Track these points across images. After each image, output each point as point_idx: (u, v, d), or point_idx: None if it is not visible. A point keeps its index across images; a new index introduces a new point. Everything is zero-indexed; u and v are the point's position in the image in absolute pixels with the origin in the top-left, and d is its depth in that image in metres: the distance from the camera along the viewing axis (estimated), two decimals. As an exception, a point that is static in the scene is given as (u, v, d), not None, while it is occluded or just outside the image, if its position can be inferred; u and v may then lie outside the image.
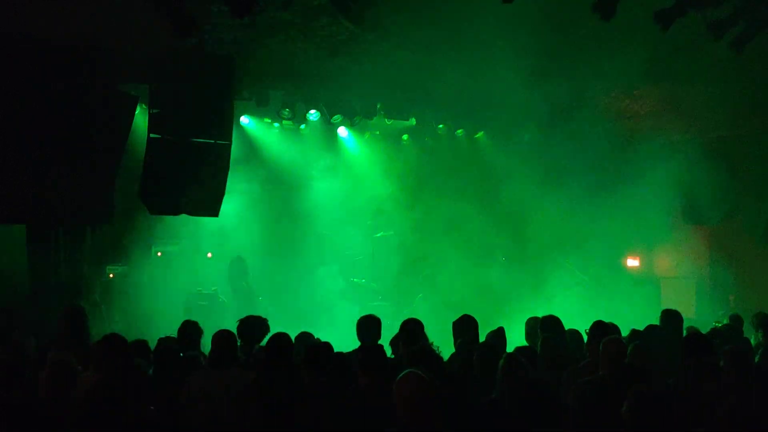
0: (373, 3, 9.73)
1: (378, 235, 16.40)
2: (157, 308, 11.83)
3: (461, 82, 13.01)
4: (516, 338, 8.06)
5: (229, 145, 11.09)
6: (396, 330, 7.49)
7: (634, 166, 15.74)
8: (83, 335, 7.26)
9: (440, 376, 5.61)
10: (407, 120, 15.74)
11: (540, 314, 8.12)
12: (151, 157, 10.68)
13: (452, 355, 7.33)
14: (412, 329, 7.33)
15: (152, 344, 7.37)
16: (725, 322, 9.87)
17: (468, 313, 7.81)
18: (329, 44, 11.35)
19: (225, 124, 11.08)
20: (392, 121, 15.65)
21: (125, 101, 11.00)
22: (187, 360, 6.81)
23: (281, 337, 6.46)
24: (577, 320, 8.40)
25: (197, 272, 13.98)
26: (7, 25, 9.37)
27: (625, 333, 7.80)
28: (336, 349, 6.71)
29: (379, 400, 5.23)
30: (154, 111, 10.55)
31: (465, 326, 7.62)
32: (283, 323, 7.73)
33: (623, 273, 17.01)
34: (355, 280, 15.78)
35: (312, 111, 14.99)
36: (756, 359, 7.28)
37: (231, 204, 13.04)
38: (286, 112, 14.54)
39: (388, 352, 6.89)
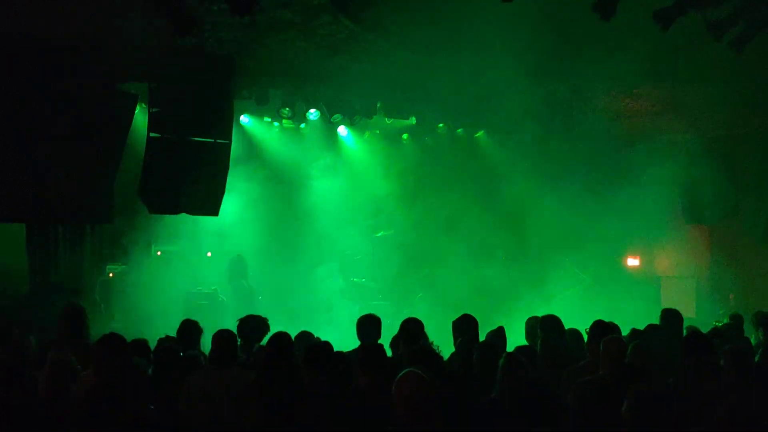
0: (373, 2, 9.74)
1: (378, 234, 16.39)
2: (156, 307, 11.81)
3: (461, 81, 13.00)
4: (516, 337, 8.05)
5: (229, 145, 11.10)
6: (396, 329, 7.49)
7: (634, 165, 15.74)
8: (83, 335, 7.26)
9: (440, 375, 5.60)
10: (407, 119, 15.73)
11: (540, 313, 8.12)
12: (150, 157, 10.68)
13: (452, 355, 7.32)
14: (412, 328, 7.33)
15: (152, 343, 7.37)
16: (725, 321, 9.87)
17: (468, 312, 7.81)
18: (329, 43, 11.34)
19: (225, 124, 11.09)
20: (392, 120, 15.63)
21: (125, 100, 11.01)
22: (187, 359, 6.81)
23: (282, 336, 6.45)
24: (577, 319, 8.40)
25: (197, 271, 13.97)
26: (7, 25, 9.38)
27: (625, 332, 7.80)
28: (336, 349, 6.71)
29: (379, 399, 5.22)
30: (154, 110, 10.55)
31: (465, 325, 7.62)
32: (283, 322, 7.73)
33: (623, 272, 17.01)
34: (355, 279, 15.78)
35: (312, 110, 14.98)
36: (756, 358, 7.28)
37: (231, 203, 13.04)
38: (286, 111, 14.53)
39: (389, 351, 6.88)
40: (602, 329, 7.03)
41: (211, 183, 10.94)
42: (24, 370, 5.46)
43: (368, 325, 7.56)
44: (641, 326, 8.02)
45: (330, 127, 15.69)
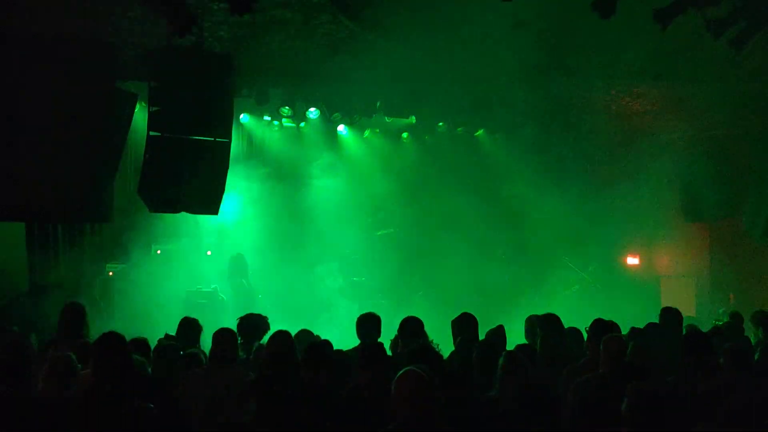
0: (373, 1, 9.74)
1: (379, 233, 16.39)
2: (156, 306, 11.82)
3: (461, 80, 13.01)
4: (516, 336, 8.06)
5: (229, 143, 11.09)
6: (395, 328, 7.50)
7: (634, 164, 15.78)
8: (83, 333, 7.27)
9: (440, 373, 5.61)
10: (407, 118, 15.74)
11: (540, 312, 8.11)
12: (150, 155, 10.67)
13: (452, 353, 7.33)
14: (411, 327, 7.34)
15: (152, 342, 7.37)
16: (725, 320, 9.87)
17: (467, 310, 7.82)
18: (329, 42, 11.35)
19: (225, 122, 11.07)
20: (392, 119, 15.64)
21: (125, 99, 11.00)
22: (188, 358, 6.82)
23: (282, 335, 6.46)
24: (577, 318, 8.41)
25: (197, 270, 13.96)
26: (6, 23, 9.37)
27: (624, 331, 7.81)
28: (336, 347, 6.72)
29: (379, 398, 5.23)
30: (154, 109, 10.53)
31: (464, 324, 7.63)
32: (283, 321, 7.73)
33: (623, 271, 17.03)
34: (354, 278, 15.77)
35: (312, 109, 15.00)
36: (756, 357, 7.29)
37: (231, 202, 13.04)
38: (286, 109, 14.52)
39: (389, 350, 6.88)
40: (602, 328, 7.04)
41: (211, 182, 10.92)
42: (24, 368, 5.46)
43: (368, 324, 7.56)
44: (641, 325, 8.03)
45: (330, 126, 15.69)
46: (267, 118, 15.32)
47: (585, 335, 7.42)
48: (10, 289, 11.49)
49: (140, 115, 11.50)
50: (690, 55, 11.65)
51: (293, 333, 6.88)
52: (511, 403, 5.57)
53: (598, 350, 6.27)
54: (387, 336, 7.56)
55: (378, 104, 14.71)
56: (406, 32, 10.55)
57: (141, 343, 7.08)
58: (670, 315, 8.29)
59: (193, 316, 7.96)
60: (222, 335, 6.54)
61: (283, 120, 15.31)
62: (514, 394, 5.61)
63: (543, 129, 15.48)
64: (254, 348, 7.44)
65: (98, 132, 10.34)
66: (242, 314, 7.92)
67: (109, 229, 12.94)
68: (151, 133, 10.61)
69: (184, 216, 11.98)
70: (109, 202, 11.03)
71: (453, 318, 7.76)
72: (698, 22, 9.55)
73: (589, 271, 15.97)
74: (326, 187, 15.67)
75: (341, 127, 16.14)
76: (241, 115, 15.00)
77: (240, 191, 14.27)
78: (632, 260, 17.25)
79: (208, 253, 14.66)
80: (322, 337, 7.28)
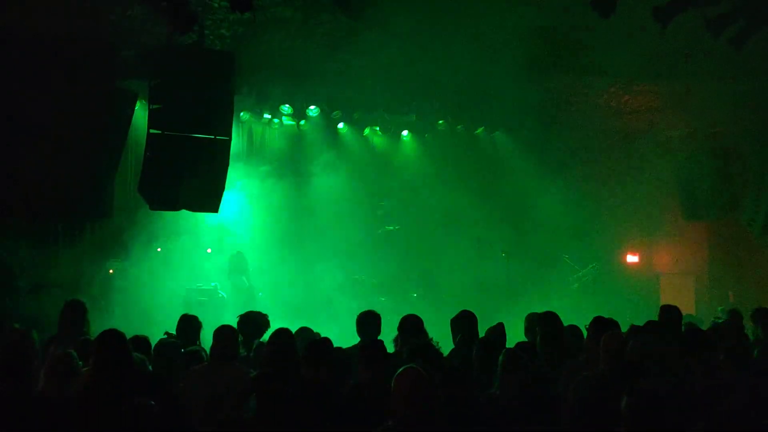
0: (374, 0, 9.74)
1: (380, 230, 16.40)
2: (156, 304, 11.83)
3: (461, 77, 13.02)
4: (516, 334, 8.07)
5: (229, 141, 11.09)
6: (395, 325, 7.50)
7: (634, 161, 15.79)
8: (83, 331, 7.29)
9: (440, 371, 5.62)
10: (407, 115, 15.75)
11: (539, 309, 8.11)
12: (150, 153, 10.67)
13: (452, 351, 7.34)
14: (411, 325, 7.35)
15: (152, 339, 7.38)
16: (724, 318, 9.88)
17: (467, 308, 7.82)
18: (329, 40, 11.36)
19: (225, 120, 11.07)
20: (392, 116, 15.65)
21: (125, 97, 11.01)
22: (188, 355, 6.83)
23: (283, 332, 6.46)
24: (577, 315, 8.42)
25: (197, 268, 13.98)
26: (6, 21, 9.38)
27: (624, 329, 7.81)
28: (336, 345, 6.72)
29: (379, 395, 5.24)
30: (154, 107, 10.54)
31: (464, 322, 7.63)
32: (283, 318, 7.74)
33: (623, 268, 17.05)
34: (355, 276, 15.78)
35: (312, 106, 15.02)
36: (755, 355, 7.30)
37: (231, 200, 13.05)
38: (286, 107, 14.52)
39: (389, 348, 6.89)
40: (602, 325, 7.03)
41: (211, 179, 10.93)
42: (26, 366, 5.47)
43: (368, 322, 7.56)
44: (640, 322, 8.02)
45: (330, 124, 15.71)
46: (267, 116, 15.34)
47: (585, 333, 7.42)
48: (10, 287, 11.49)
49: (140, 113, 11.51)
50: (689, 53, 11.66)
51: (293, 330, 6.89)
52: (511, 400, 5.59)
53: (598, 348, 6.28)
54: (387, 334, 7.57)
55: (378, 102, 14.74)
56: (406, 30, 10.56)
57: (141, 341, 7.08)
58: (670, 313, 8.28)
59: (193, 313, 7.96)
60: (223, 332, 6.55)
61: (283, 118, 15.34)
62: (514, 392, 5.63)
63: (543, 127, 15.50)
64: (255, 345, 7.44)
65: (98, 130, 10.35)
66: (242, 312, 7.93)
67: (109, 227, 12.95)
68: (152, 130, 10.62)
69: (185, 214, 11.99)
70: (110, 200, 11.05)
71: (453, 316, 7.77)
72: (698, 20, 9.57)
73: (588, 269, 15.98)
74: (326, 184, 15.67)
75: (341, 125, 16.15)
76: (241, 113, 15.01)
77: (240, 189, 14.29)
78: (632, 258, 17.28)
79: (209, 250, 14.69)
80: (323, 335, 7.28)
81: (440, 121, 16.19)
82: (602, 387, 5.66)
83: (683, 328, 8.25)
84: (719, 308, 12.32)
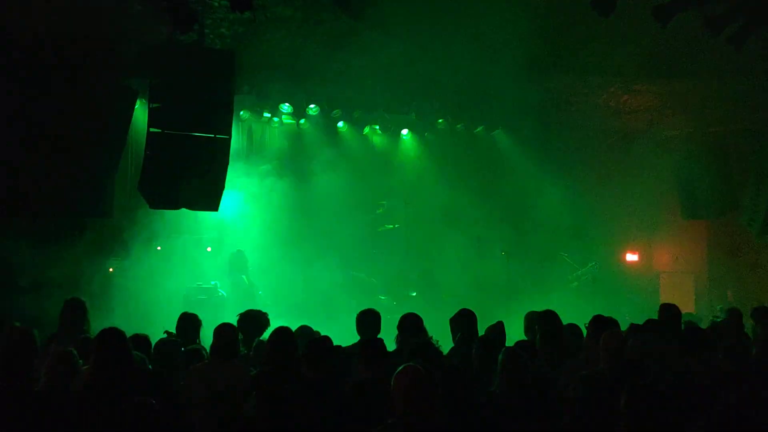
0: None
1: (381, 228, 16.41)
2: (156, 302, 11.83)
3: (461, 77, 13.03)
4: (515, 332, 8.08)
5: (229, 140, 11.10)
6: (395, 324, 7.51)
7: (633, 160, 15.79)
8: (84, 328, 7.30)
9: (439, 370, 5.63)
10: (407, 114, 15.76)
11: (539, 308, 8.12)
12: (150, 152, 10.68)
13: (451, 350, 7.35)
14: (411, 323, 7.36)
15: (152, 338, 7.39)
16: (724, 316, 9.89)
17: (467, 307, 7.83)
18: (329, 39, 11.37)
19: (225, 119, 11.07)
20: (392, 115, 15.65)
21: (125, 95, 11.00)
22: (189, 353, 6.84)
23: (283, 331, 6.47)
24: (577, 314, 8.42)
25: (197, 266, 13.98)
26: (6, 20, 9.37)
27: (623, 327, 7.82)
28: (336, 343, 6.73)
29: (379, 393, 5.25)
30: (154, 105, 10.54)
31: (464, 320, 7.64)
32: (283, 317, 7.74)
33: (622, 267, 17.06)
34: (355, 274, 15.79)
35: (312, 105, 15.02)
36: (754, 352, 7.31)
37: (231, 198, 13.05)
38: (286, 106, 14.52)
39: (389, 346, 6.90)
40: (601, 324, 7.04)
41: (211, 178, 10.93)
42: (27, 363, 5.49)
43: (368, 320, 7.57)
44: (640, 321, 8.04)
45: (330, 122, 15.71)
46: (267, 114, 15.34)
47: (584, 331, 7.43)
48: (11, 286, 11.50)
49: (141, 112, 11.51)
50: (689, 52, 11.67)
51: (293, 329, 6.90)
52: (511, 399, 5.60)
53: (598, 346, 6.29)
54: (386, 333, 7.58)
55: (378, 100, 14.75)
56: (406, 29, 10.57)
57: (141, 340, 7.09)
58: (669, 311, 8.29)
59: (192, 312, 7.97)
60: (224, 329, 6.55)
61: (283, 117, 15.34)
62: (514, 390, 5.64)
63: (543, 126, 15.51)
64: (255, 344, 7.45)
65: (98, 129, 10.34)
66: (242, 310, 7.93)
67: (109, 226, 12.94)
68: (152, 129, 10.62)
69: (185, 212, 12.00)
70: (110, 199, 11.05)
71: (452, 314, 7.78)
72: (698, 19, 9.58)
73: (588, 268, 15.99)
74: (326, 183, 15.68)
75: (341, 124, 16.15)
76: (241, 112, 15.00)
77: (240, 188, 14.28)
78: (631, 257, 17.30)
79: (209, 249, 14.67)
80: (322, 333, 7.29)
81: (440, 120, 16.20)
82: (602, 385, 5.67)
83: (683, 326, 8.26)
84: (718, 307, 12.35)
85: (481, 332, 7.58)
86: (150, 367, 6.39)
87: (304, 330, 7.62)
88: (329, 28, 11.02)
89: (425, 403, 4.60)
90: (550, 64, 12.38)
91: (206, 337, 7.14)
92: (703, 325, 8.97)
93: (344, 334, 7.75)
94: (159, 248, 13.47)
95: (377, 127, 16.57)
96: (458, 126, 16.42)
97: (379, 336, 7.14)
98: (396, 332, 7.57)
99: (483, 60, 11.80)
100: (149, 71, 10.63)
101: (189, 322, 7.68)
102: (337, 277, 14.90)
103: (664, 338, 7.27)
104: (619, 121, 15.69)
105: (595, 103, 14.85)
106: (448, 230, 15.55)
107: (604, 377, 5.91)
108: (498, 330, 7.68)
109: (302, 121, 15.63)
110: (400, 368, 4.73)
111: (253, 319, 7.76)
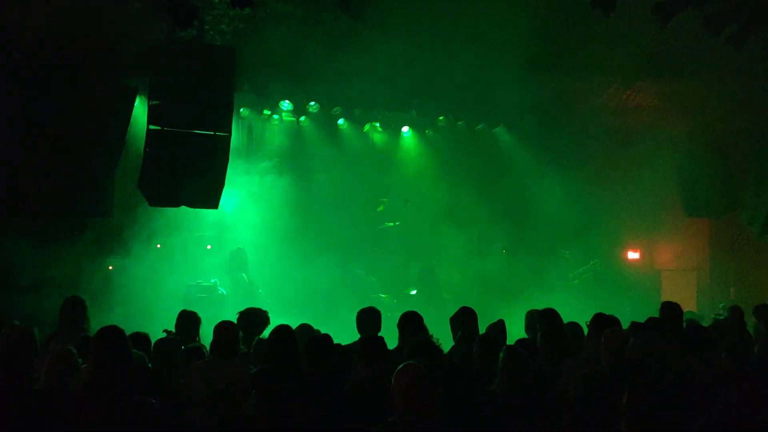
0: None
1: (381, 226, 16.40)
2: (156, 300, 11.83)
3: (462, 74, 13.02)
4: (516, 331, 8.06)
5: (229, 137, 11.08)
6: (395, 322, 7.49)
7: (634, 158, 15.77)
8: (84, 327, 7.28)
9: (440, 368, 5.61)
10: (407, 112, 15.74)
11: (540, 306, 8.11)
12: (150, 149, 10.67)
13: (452, 348, 7.33)
14: (411, 322, 7.34)
15: (151, 336, 7.37)
16: (726, 314, 9.87)
17: (468, 305, 7.81)
18: (330, 37, 11.37)
19: (225, 116, 11.06)
20: (392, 112, 15.63)
21: (124, 93, 10.99)
22: (189, 351, 6.82)
23: (283, 329, 6.45)
24: (578, 312, 8.40)
25: (197, 264, 13.97)
26: (5, 19, 9.36)
27: (625, 325, 7.80)
28: (336, 341, 6.71)
29: (379, 392, 5.24)
30: (154, 102, 10.53)
31: (464, 319, 7.62)
32: (283, 315, 7.72)
33: (623, 265, 17.04)
34: (355, 272, 15.78)
35: (312, 103, 15.01)
36: (755, 350, 7.29)
37: (231, 196, 13.03)
38: (286, 103, 14.51)
39: (389, 344, 6.88)
40: (603, 322, 7.02)
41: (211, 176, 10.92)
42: (27, 362, 5.47)
43: (368, 318, 7.56)
44: (641, 319, 8.02)
45: (330, 120, 15.71)
46: (267, 112, 15.33)
47: (585, 330, 7.41)
48: (11, 285, 11.49)
49: (140, 109, 11.49)
50: (690, 52, 11.65)
51: (294, 327, 6.88)
52: (512, 398, 5.58)
53: (599, 345, 6.27)
54: (387, 331, 7.56)
55: (378, 98, 14.73)
56: (406, 27, 10.56)
57: (141, 338, 7.07)
58: (671, 309, 8.27)
59: (192, 310, 7.95)
60: (224, 327, 6.53)
61: (283, 114, 15.33)
62: (515, 389, 5.62)
63: (543, 124, 15.49)
64: (255, 342, 7.43)
65: (98, 128, 10.33)
66: (242, 308, 7.92)
67: (109, 224, 12.93)
68: (151, 127, 10.61)
69: (184, 210, 11.98)
70: (110, 197, 11.04)
71: (453, 312, 7.76)
72: (698, 19, 9.56)
73: (589, 266, 15.98)
74: (326, 181, 15.68)
75: (341, 121, 16.14)
76: (241, 109, 14.99)
77: (240, 185, 14.27)
78: (633, 255, 17.27)
79: (208, 247, 14.67)
80: (323, 331, 7.27)
81: (441, 118, 16.19)
82: (603, 384, 5.64)
83: (684, 324, 8.23)
84: (720, 305, 12.31)
85: (481, 330, 7.56)
86: (150, 365, 6.38)
87: (304, 328, 7.61)
88: (329, 28, 11.02)
89: (426, 401, 4.58)
90: (550, 63, 12.38)
91: (206, 335, 7.13)
92: (705, 323, 8.94)
93: (344, 332, 7.74)
94: (159, 246, 13.47)
95: (377, 124, 16.57)
96: (459, 123, 16.41)
97: (379, 334, 7.12)
98: (396, 330, 7.55)
99: (483, 59, 11.79)
100: (149, 69, 10.61)
101: (188, 320, 7.66)
102: (337, 275, 14.90)
103: (665, 337, 7.25)
104: (620, 120, 15.68)
105: (596, 103, 14.86)
106: (448, 228, 15.55)
107: (605, 376, 5.89)
108: (499, 328, 7.67)
109: (302, 118, 15.63)
110: (401, 366, 4.71)
111: (254, 317, 7.75)
